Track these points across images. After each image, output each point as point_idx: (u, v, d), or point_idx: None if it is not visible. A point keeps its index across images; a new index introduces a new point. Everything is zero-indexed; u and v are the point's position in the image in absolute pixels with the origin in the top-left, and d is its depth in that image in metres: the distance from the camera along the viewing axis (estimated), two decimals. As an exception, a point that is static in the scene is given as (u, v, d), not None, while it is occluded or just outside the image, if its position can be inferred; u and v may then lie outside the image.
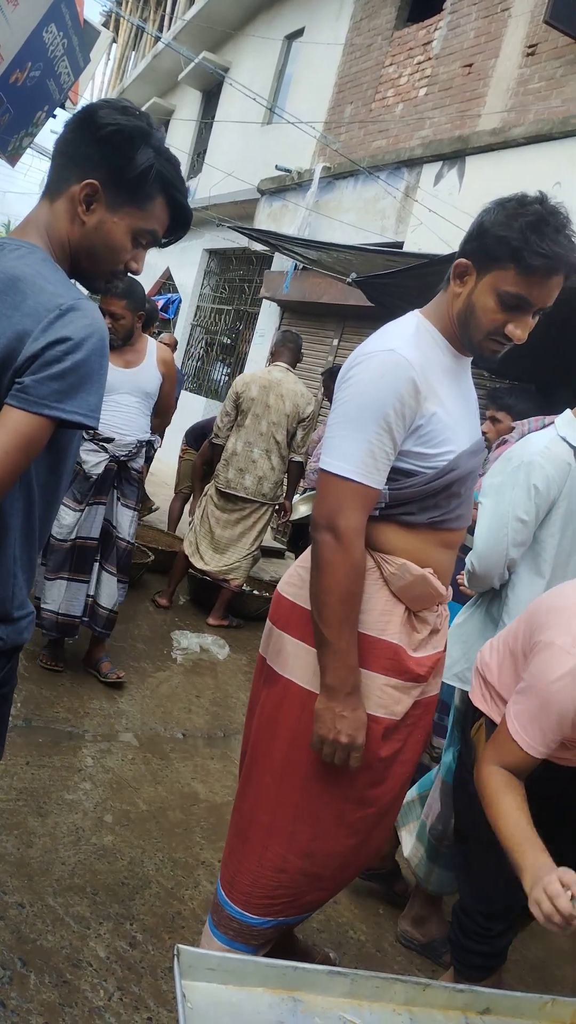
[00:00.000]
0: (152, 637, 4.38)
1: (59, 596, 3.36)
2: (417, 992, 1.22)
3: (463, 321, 1.63)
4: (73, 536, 3.37)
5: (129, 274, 1.38)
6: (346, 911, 2.51)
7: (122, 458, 3.46)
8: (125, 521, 3.55)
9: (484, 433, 3.28)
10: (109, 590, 3.51)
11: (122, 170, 1.27)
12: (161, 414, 3.79)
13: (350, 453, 1.54)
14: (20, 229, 1.33)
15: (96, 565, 3.48)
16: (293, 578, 1.74)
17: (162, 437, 4.02)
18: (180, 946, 1.12)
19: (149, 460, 3.70)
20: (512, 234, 1.51)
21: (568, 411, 2.17)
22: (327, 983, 1.18)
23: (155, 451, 3.69)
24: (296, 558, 2.05)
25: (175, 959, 1.10)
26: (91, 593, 3.46)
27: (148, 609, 4.81)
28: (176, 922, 2.22)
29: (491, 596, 2.29)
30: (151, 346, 3.62)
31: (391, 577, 1.63)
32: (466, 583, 2.31)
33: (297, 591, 1.70)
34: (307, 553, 1.69)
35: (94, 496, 3.40)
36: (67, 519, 3.34)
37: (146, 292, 3.72)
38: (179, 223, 1.38)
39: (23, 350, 1.17)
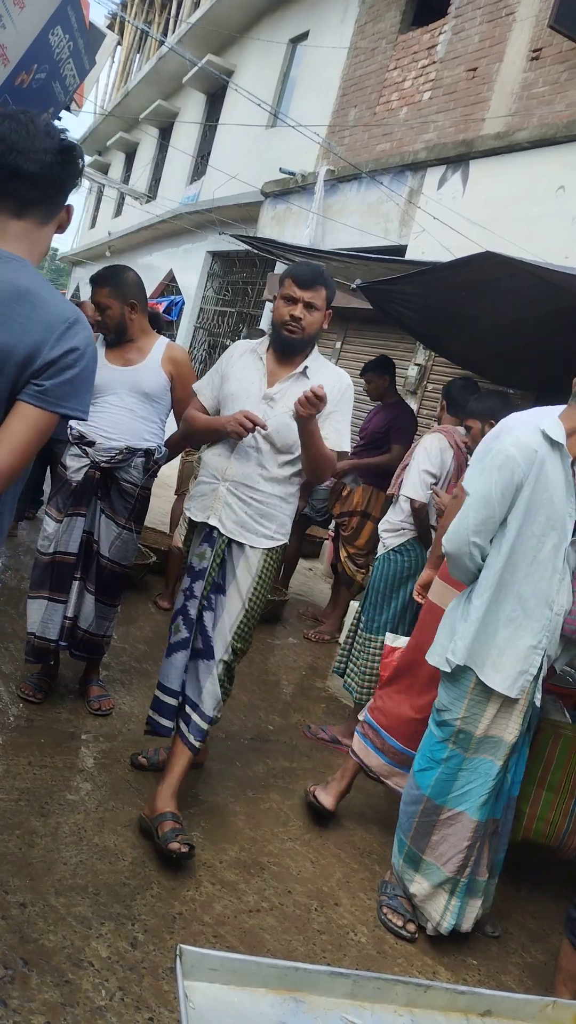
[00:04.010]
0: (154, 638, 4.39)
1: (38, 617, 3.10)
2: (418, 993, 1.22)
3: None
4: (52, 550, 3.10)
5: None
6: (347, 913, 2.52)
7: (104, 464, 3.07)
8: (108, 537, 3.15)
9: (465, 443, 3.43)
10: (87, 610, 3.18)
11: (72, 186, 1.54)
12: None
13: None
14: None
15: (77, 584, 3.14)
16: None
17: (189, 453, 3.55)
18: (182, 946, 1.12)
19: (150, 472, 3.20)
20: None
21: (555, 413, 2.34)
22: (329, 984, 1.19)
23: (156, 464, 3.20)
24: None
25: (177, 959, 1.10)
26: (68, 614, 3.13)
27: (150, 610, 4.82)
28: (178, 923, 2.22)
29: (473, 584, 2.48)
30: (159, 345, 3.24)
31: None
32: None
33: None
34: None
35: (73, 507, 3.09)
36: (49, 528, 3.11)
37: (148, 294, 3.50)
38: None
39: (40, 356, 1.40)
